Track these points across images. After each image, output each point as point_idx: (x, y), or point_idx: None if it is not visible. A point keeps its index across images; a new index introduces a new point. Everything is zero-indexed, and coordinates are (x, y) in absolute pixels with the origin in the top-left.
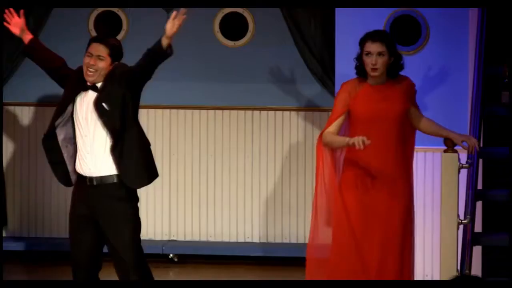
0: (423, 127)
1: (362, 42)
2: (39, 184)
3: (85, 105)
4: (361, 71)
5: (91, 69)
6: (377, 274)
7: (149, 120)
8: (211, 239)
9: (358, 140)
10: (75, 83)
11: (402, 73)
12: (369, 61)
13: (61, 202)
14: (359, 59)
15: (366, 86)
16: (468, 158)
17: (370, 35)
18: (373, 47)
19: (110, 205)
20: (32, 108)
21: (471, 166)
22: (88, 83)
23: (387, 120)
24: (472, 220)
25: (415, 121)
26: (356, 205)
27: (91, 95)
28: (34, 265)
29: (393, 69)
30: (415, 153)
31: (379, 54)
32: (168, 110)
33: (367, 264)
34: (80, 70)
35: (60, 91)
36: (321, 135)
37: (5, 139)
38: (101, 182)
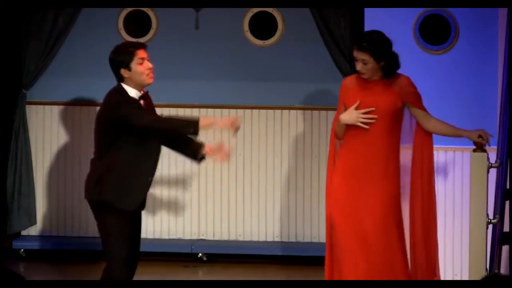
0: (432, 127)
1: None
2: (68, 183)
3: None
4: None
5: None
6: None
7: None
8: (240, 238)
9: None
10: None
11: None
12: (356, 65)
13: None
14: None
15: (360, 81)
16: (497, 157)
17: (356, 41)
18: (358, 55)
19: None
20: (61, 107)
21: (500, 165)
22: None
23: (374, 115)
24: (501, 220)
25: (423, 122)
26: (340, 197)
27: None
28: (63, 264)
29: (386, 70)
30: (444, 153)
31: (363, 62)
32: (197, 109)
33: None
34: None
35: (88, 90)
36: (333, 133)
37: (34, 138)
38: None
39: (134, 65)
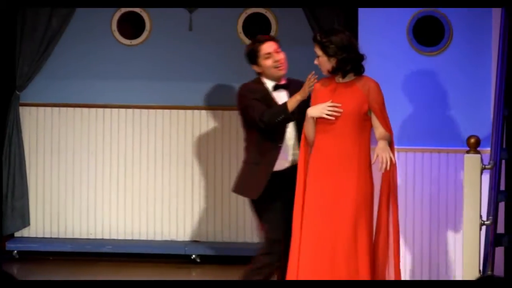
0: (376, 135)
1: None
2: (61, 184)
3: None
4: None
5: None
6: (330, 270)
7: (172, 121)
8: (234, 240)
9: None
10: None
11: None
12: None
13: (83, 203)
14: None
15: (330, 82)
16: (490, 159)
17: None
18: (314, 47)
19: None
20: (55, 109)
21: (494, 167)
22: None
23: (340, 117)
24: (495, 221)
25: (374, 128)
26: (312, 198)
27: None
28: (56, 265)
29: (336, 69)
30: (437, 154)
31: (316, 54)
32: (191, 111)
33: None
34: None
35: (82, 91)
36: (303, 135)
37: (27, 140)
38: None
39: (261, 60)
